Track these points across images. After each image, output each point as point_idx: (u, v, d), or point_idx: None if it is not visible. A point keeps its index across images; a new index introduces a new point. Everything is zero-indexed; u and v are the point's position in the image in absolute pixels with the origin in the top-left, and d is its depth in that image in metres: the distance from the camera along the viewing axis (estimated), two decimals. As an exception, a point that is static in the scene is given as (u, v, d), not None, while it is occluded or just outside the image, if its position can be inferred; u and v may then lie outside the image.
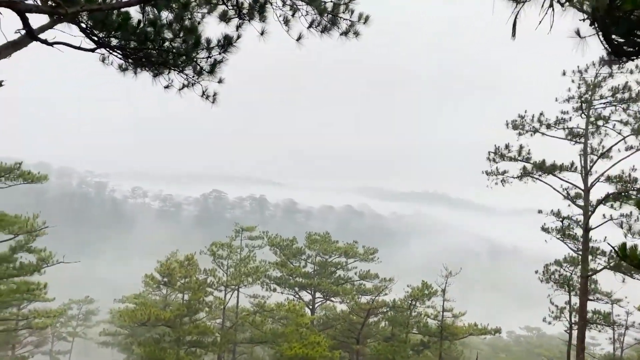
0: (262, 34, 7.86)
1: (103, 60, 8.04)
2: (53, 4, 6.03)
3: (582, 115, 21.47)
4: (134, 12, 7.25)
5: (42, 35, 6.87)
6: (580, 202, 21.44)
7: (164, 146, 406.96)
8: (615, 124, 21.26)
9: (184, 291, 30.44)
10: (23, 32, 6.46)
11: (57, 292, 35.01)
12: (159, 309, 30.23)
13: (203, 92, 8.54)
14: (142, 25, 6.93)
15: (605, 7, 4.18)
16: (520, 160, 21.59)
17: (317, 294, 37.75)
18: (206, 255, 34.63)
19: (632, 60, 4.71)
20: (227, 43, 7.44)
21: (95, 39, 7.40)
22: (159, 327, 31.55)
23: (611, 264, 19.86)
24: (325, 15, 7.67)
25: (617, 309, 27.29)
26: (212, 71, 7.86)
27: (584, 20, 4.46)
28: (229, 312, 35.95)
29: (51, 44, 6.74)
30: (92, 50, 7.18)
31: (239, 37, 7.53)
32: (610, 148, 21.31)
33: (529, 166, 21.72)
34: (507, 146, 21.69)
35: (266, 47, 8.19)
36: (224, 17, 7.87)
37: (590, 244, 21.07)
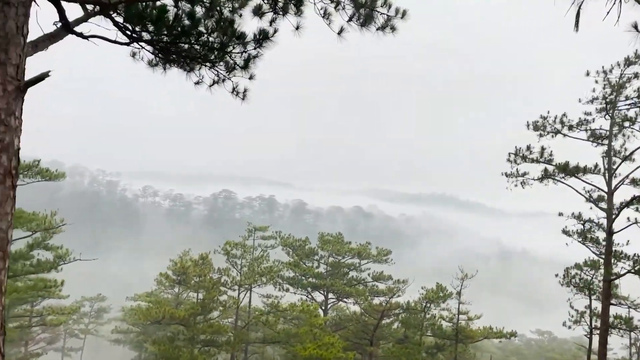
0: (297, 28, 7.70)
1: (133, 55, 7.95)
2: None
3: (606, 116, 21.06)
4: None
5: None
6: (603, 204, 21.03)
7: (175, 145, 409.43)
8: (640, 126, 20.86)
9: (198, 290, 30.44)
10: (59, 24, 6.35)
11: (70, 290, 35.16)
12: (172, 308, 30.25)
13: (233, 89, 8.38)
14: (178, 18, 6.80)
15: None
16: (543, 162, 21.17)
17: (330, 295, 37.59)
18: (219, 254, 34.63)
19: None
20: (263, 37, 7.28)
21: (129, 32, 7.29)
22: (171, 325, 31.56)
23: (636, 268, 19.45)
24: (363, 9, 7.49)
25: (633, 313, 26.81)
26: (245, 66, 7.71)
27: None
28: (241, 311, 35.91)
29: (87, 37, 6.63)
30: (127, 44, 7.06)
31: (275, 31, 7.37)
32: (634, 151, 20.89)
33: (550, 168, 21.32)
34: (528, 147, 21.28)
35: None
36: (258, 12, 7.71)
37: (613, 248, 20.67)
